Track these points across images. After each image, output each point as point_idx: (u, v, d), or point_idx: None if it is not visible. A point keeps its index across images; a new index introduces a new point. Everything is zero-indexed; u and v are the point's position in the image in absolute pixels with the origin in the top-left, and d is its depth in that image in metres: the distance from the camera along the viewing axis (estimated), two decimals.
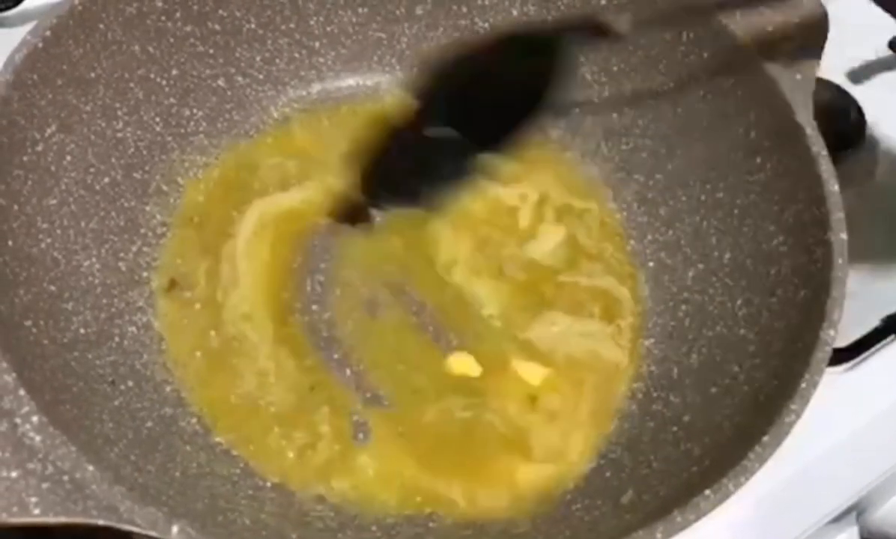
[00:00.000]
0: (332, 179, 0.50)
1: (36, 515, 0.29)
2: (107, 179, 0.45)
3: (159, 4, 0.46)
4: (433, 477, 0.41)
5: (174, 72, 0.48)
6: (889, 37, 0.60)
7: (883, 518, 0.49)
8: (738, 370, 0.41)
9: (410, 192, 0.49)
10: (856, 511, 0.48)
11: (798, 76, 0.44)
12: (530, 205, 0.51)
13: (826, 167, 0.41)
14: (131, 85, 0.46)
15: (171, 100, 0.48)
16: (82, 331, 0.41)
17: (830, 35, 0.45)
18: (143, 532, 0.30)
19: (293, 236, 0.48)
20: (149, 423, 0.40)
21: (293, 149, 0.51)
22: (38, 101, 0.41)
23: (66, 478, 0.30)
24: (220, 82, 0.50)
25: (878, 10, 0.62)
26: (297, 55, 0.52)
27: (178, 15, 0.47)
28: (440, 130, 0.50)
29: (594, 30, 0.41)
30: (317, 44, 0.53)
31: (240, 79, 0.51)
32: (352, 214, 0.46)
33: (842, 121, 0.56)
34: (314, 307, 0.46)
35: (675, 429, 0.41)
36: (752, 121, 0.45)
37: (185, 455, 0.40)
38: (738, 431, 0.37)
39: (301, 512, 0.39)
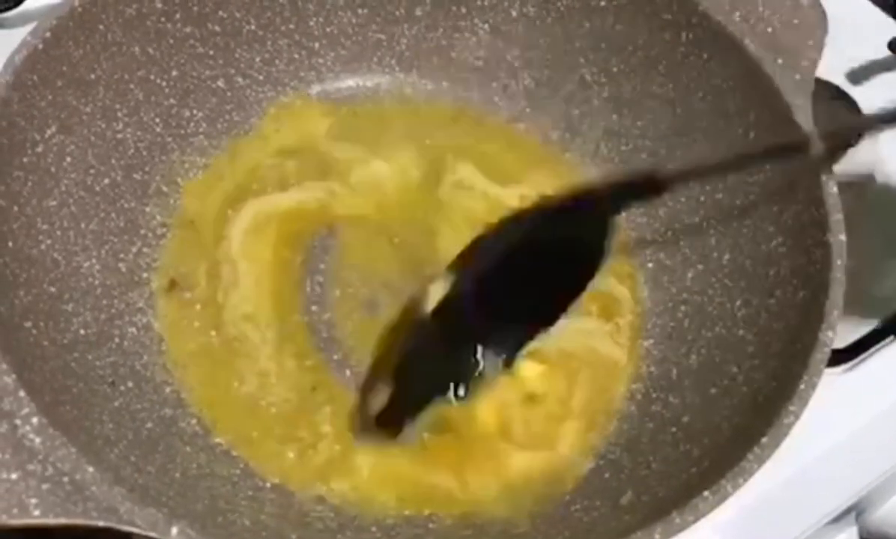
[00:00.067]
0: (331, 181, 0.50)
1: (36, 517, 0.29)
2: (107, 180, 0.45)
3: (159, 6, 0.46)
4: (429, 473, 0.41)
5: (174, 73, 0.48)
6: (888, 37, 0.60)
7: (882, 518, 0.49)
8: (737, 371, 0.41)
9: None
10: (855, 511, 0.48)
11: (797, 77, 0.44)
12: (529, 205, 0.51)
13: (825, 168, 0.41)
14: (131, 86, 0.46)
15: (171, 101, 0.48)
16: (82, 332, 0.41)
17: (830, 35, 0.46)
18: (143, 533, 0.30)
19: (293, 237, 0.48)
20: (149, 424, 0.40)
21: (293, 150, 0.51)
22: (38, 103, 0.41)
23: (65, 479, 0.30)
24: (220, 83, 0.50)
25: (878, 11, 0.62)
26: (296, 56, 0.52)
27: (177, 16, 0.47)
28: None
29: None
30: (316, 45, 0.53)
31: (240, 80, 0.51)
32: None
33: (841, 121, 0.56)
34: (314, 308, 0.46)
35: (673, 430, 0.41)
36: (751, 121, 0.45)
37: (185, 456, 0.40)
38: (736, 432, 0.37)
39: (301, 513, 0.39)
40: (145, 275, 0.45)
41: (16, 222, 0.39)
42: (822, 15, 0.46)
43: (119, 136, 0.46)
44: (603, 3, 0.50)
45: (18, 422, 0.31)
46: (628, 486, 0.39)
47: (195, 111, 0.49)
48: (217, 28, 0.49)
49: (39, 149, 0.41)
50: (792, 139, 0.42)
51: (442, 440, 0.42)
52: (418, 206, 0.50)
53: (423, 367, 0.42)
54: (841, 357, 0.46)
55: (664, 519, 0.32)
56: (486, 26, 0.53)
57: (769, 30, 0.46)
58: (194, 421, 0.42)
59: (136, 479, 0.35)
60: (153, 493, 0.35)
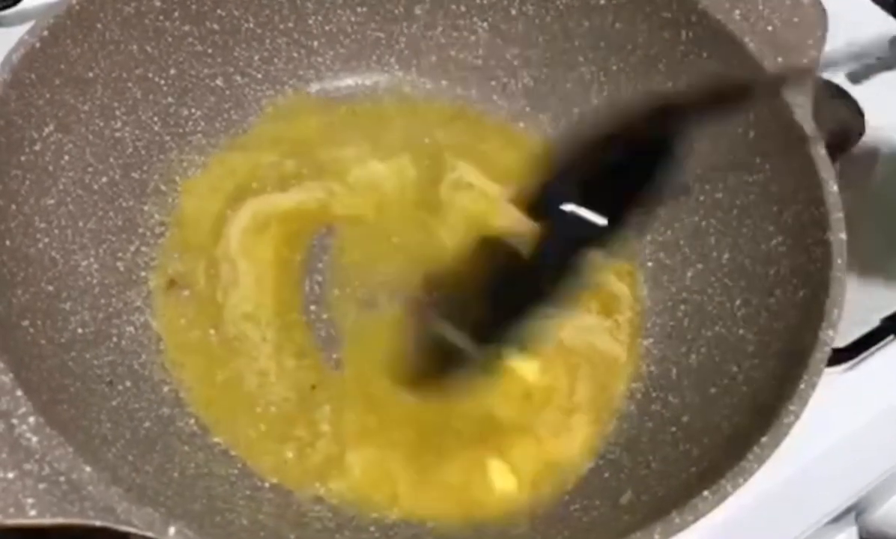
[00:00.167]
0: (329, 180, 0.50)
1: (32, 516, 0.29)
2: (105, 179, 0.45)
3: (157, 4, 0.46)
4: (426, 472, 0.41)
5: (172, 71, 0.48)
6: (889, 36, 0.60)
7: (882, 518, 0.49)
8: (736, 370, 0.41)
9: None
10: (855, 511, 0.48)
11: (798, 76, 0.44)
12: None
13: (825, 167, 0.41)
14: (129, 84, 0.46)
15: (170, 99, 0.48)
16: (80, 331, 0.41)
17: (830, 34, 0.45)
18: (141, 533, 0.30)
19: (292, 236, 0.48)
20: (147, 424, 0.40)
21: (291, 148, 0.51)
22: (36, 101, 0.41)
23: (62, 479, 0.30)
24: (219, 82, 0.50)
25: (879, 10, 0.62)
26: (295, 55, 0.52)
27: (176, 14, 0.47)
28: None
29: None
30: (315, 43, 0.53)
31: (238, 78, 0.51)
32: None
33: (841, 121, 0.56)
34: (313, 307, 0.46)
35: (673, 429, 0.41)
36: (751, 121, 0.45)
37: (183, 455, 0.39)
38: (736, 432, 0.37)
39: (299, 512, 0.39)
40: (143, 273, 0.45)
41: (13, 221, 0.39)
42: (823, 13, 0.46)
43: (117, 134, 0.46)
44: (602, 2, 0.50)
45: (15, 421, 0.31)
46: (628, 485, 0.39)
47: (194, 110, 0.49)
48: (215, 26, 0.49)
49: (37, 147, 0.41)
50: (792, 138, 0.42)
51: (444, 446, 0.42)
52: (417, 205, 0.50)
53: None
54: (841, 356, 0.46)
55: (664, 519, 0.32)
56: (486, 25, 0.53)
57: (769, 28, 0.46)
58: (192, 420, 0.41)
59: (133, 478, 0.35)
60: (150, 492, 0.35)
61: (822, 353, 0.37)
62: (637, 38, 0.49)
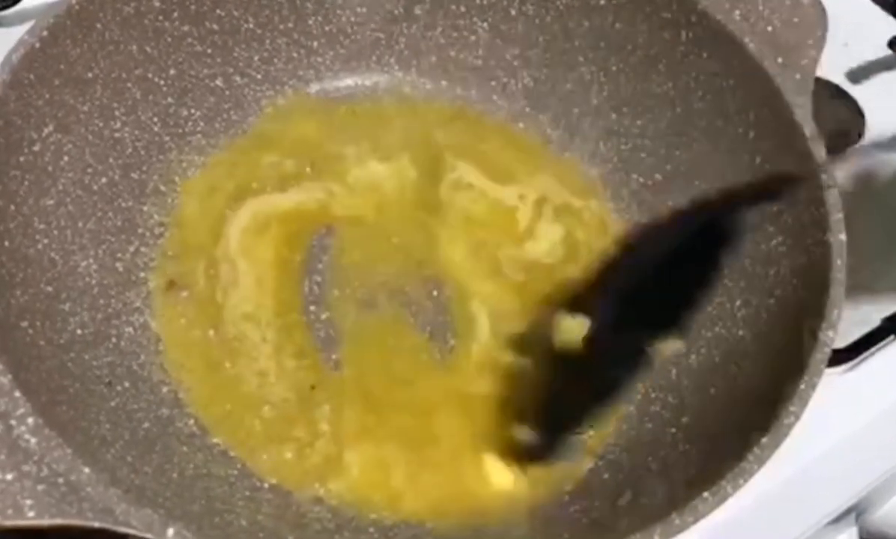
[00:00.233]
0: (329, 180, 0.50)
1: (31, 518, 0.29)
2: (104, 179, 0.45)
3: (157, 4, 0.46)
4: (424, 479, 0.41)
5: (172, 71, 0.48)
6: (888, 36, 0.60)
7: (882, 519, 0.49)
8: (736, 371, 0.41)
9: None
10: (855, 512, 0.48)
11: (797, 76, 0.44)
12: (529, 205, 0.51)
13: (825, 168, 0.41)
14: (129, 85, 0.46)
15: (169, 100, 0.48)
16: (79, 331, 0.40)
17: (829, 34, 0.45)
18: (139, 534, 0.30)
19: (292, 236, 0.48)
20: (146, 425, 0.40)
21: (291, 149, 0.51)
22: (36, 101, 0.41)
23: (61, 480, 0.30)
24: (218, 82, 0.50)
25: (878, 10, 0.62)
26: (295, 55, 0.52)
27: (175, 14, 0.47)
28: None
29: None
30: (315, 43, 0.53)
31: (238, 78, 0.51)
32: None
33: (841, 121, 0.56)
34: (312, 307, 0.46)
35: (673, 430, 0.41)
36: (751, 121, 0.45)
37: (182, 456, 0.39)
38: (736, 433, 0.37)
39: (298, 513, 0.39)
40: (143, 274, 0.45)
41: (13, 221, 0.39)
42: (823, 13, 0.46)
43: (117, 135, 0.46)
44: (602, 2, 0.50)
45: (14, 422, 0.31)
46: (627, 486, 0.39)
47: (193, 110, 0.49)
48: (215, 26, 0.49)
49: (37, 148, 0.41)
50: (791, 138, 0.42)
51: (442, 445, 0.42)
52: (417, 205, 0.50)
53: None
54: (841, 357, 0.46)
55: (663, 520, 0.32)
56: (485, 25, 0.53)
57: (769, 28, 0.45)
58: (191, 421, 0.41)
59: (132, 479, 0.35)
60: (149, 493, 0.35)
61: (823, 353, 0.36)
62: (637, 39, 0.49)
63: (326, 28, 0.53)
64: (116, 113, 0.45)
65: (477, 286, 0.47)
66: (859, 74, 0.59)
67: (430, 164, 0.52)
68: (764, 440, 0.34)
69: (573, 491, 0.41)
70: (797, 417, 0.35)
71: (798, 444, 0.35)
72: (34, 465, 0.30)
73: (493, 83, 0.54)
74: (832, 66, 0.57)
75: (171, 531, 0.30)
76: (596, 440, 0.43)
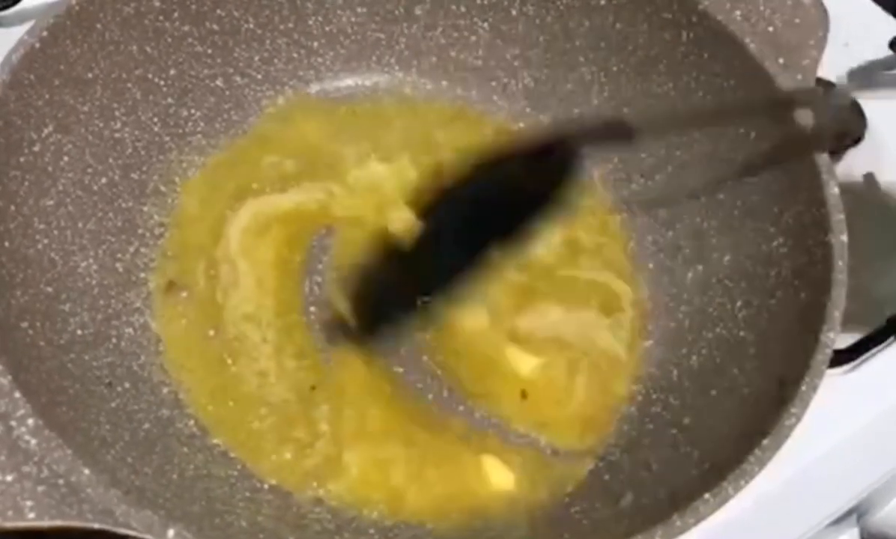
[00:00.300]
0: (329, 180, 0.50)
1: (31, 519, 0.29)
2: (104, 180, 0.45)
3: (157, 4, 0.46)
4: (424, 479, 0.41)
5: (172, 72, 0.48)
6: (889, 37, 0.60)
7: (883, 520, 0.49)
8: (737, 372, 0.41)
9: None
10: (856, 513, 0.48)
11: (799, 76, 0.44)
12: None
13: (826, 168, 0.41)
14: (129, 85, 0.46)
15: (169, 100, 0.48)
16: (79, 332, 0.40)
17: (831, 35, 0.45)
18: (139, 535, 0.30)
19: (292, 236, 0.48)
20: (146, 425, 0.40)
21: (291, 149, 0.51)
22: (36, 102, 0.41)
23: (61, 481, 0.30)
24: (219, 82, 0.50)
25: (879, 10, 0.62)
26: (295, 55, 0.52)
27: (175, 15, 0.47)
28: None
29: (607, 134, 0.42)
30: (315, 44, 0.53)
31: (238, 79, 0.51)
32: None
33: (841, 121, 0.56)
34: (312, 308, 0.46)
35: (674, 431, 0.41)
36: (752, 121, 0.45)
37: (182, 457, 0.39)
38: (737, 434, 0.37)
39: (299, 514, 0.39)
40: (143, 275, 0.45)
41: (13, 222, 0.39)
42: (824, 13, 0.46)
43: (117, 135, 0.46)
44: (603, 2, 0.50)
45: (14, 423, 0.31)
46: (628, 487, 0.39)
47: (193, 110, 0.49)
48: (215, 27, 0.49)
49: (37, 148, 0.41)
50: (792, 139, 0.42)
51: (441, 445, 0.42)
52: (417, 205, 0.50)
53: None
54: (843, 357, 0.46)
55: (665, 521, 0.32)
56: (486, 25, 0.53)
57: (770, 29, 0.45)
58: (192, 422, 0.41)
59: (132, 480, 0.35)
60: (150, 494, 0.35)
61: (824, 354, 0.36)
62: (637, 39, 0.49)
63: (327, 28, 0.53)
64: (116, 113, 0.45)
65: (477, 285, 0.47)
66: (860, 75, 0.59)
67: (430, 164, 0.52)
68: (765, 441, 0.34)
69: (574, 492, 0.41)
70: (799, 419, 0.35)
71: (799, 445, 0.35)
72: (34, 466, 0.30)
73: (494, 83, 0.54)
74: (833, 67, 0.57)
75: (171, 532, 0.30)
76: (596, 440, 0.43)
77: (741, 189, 0.45)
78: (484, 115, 0.54)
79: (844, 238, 0.40)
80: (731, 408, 0.40)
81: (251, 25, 0.50)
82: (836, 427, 0.44)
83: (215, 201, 0.48)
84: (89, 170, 0.44)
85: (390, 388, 0.44)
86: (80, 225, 0.43)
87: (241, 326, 0.45)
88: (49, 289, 0.40)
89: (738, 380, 0.41)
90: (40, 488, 0.30)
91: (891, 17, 0.62)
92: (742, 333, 0.42)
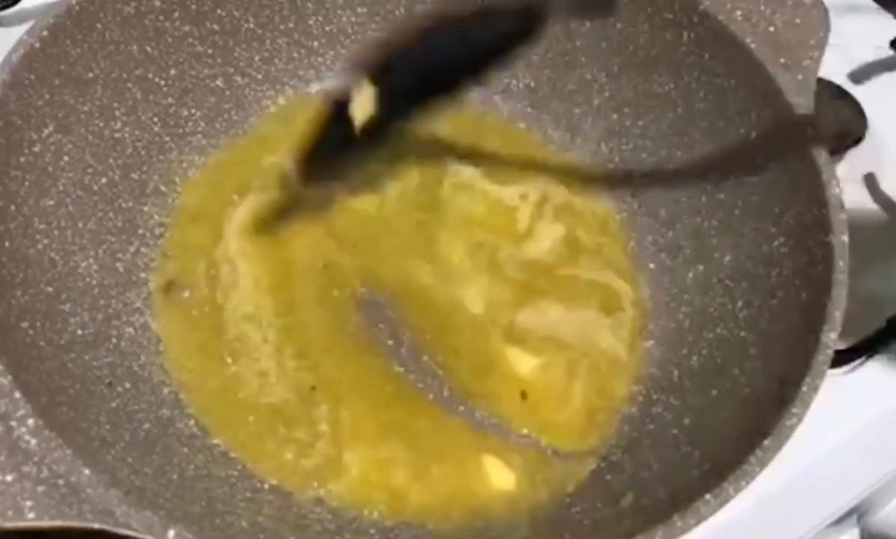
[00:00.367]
0: (330, 179, 0.50)
1: (31, 519, 0.29)
2: (104, 180, 0.45)
3: (157, 4, 0.46)
4: (425, 480, 0.41)
5: (172, 72, 0.48)
6: (890, 36, 0.60)
7: (884, 520, 0.49)
8: (738, 373, 0.41)
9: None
10: (857, 513, 0.48)
11: (799, 76, 0.44)
12: (530, 205, 0.51)
13: (827, 169, 0.41)
14: (129, 85, 0.46)
15: (170, 100, 0.48)
16: (79, 332, 0.40)
17: (831, 35, 0.45)
18: (140, 536, 0.30)
19: (291, 236, 0.48)
20: (146, 425, 0.40)
21: (292, 149, 0.51)
22: (36, 102, 0.41)
23: (61, 481, 0.30)
24: (219, 82, 0.50)
25: (880, 11, 0.62)
26: (295, 55, 0.52)
27: (176, 15, 0.47)
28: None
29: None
30: (316, 43, 0.53)
31: (238, 79, 0.51)
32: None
33: (843, 121, 0.56)
34: (312, 308, 0.46)
35: (675, 431, 0.41)
36: (752, 122, 0.45)
37: (182, 457, 0.39)
38: (738, 434, 0.37)
39: (299, 514, 0.39)
40: (143, 275, 0.45)
41: (13, 222, 0.39)
42: (825, 14, 0.45)
43: (117, 135, 0.46)
44: None
45: (14, 423, 0.31)
46: (629, 488, 0.39)
47: (194, 110, 0.49)
48: (216, 27, 0.49)
49: (37, 148, 0.41)
50: (793, 139, 0.42)
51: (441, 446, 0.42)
52: (417, 205, 0.50)
53: None
54: (844, 358, 0.46)
55: (665, 522, 0.32)
56: None
57: (771, 29, 0.45)
58: (192, 422, 0.41)
59: (132, 480, 0.35)
60: (150, 494, 0.35)
61: (825, 355, 0.36)
62: (639, 39, 0.49)
63: (327, 28, 0.53)
64: (117, 113, 0.45)
65: (478, 285, 0.47)
66: (861, 75, 0.59)
67: (430, 164, 0.52)
68: (766, 442, 0.34)
69: (575, 492, 0.41)
70: (800, 419, 0.35)
71: (800, 446, 0.35)
72: (34, 466, 0.30)
73: (495, 83, 0.54)
74: (834, 67, 0.57)
75: (171, 533, 0.30)
76: (597, 441, 0.43)
77: (742, 189, 0.45)
78: (485, 115, 0.54)
79: (845, 238, 0.39)
80: (732, 408, 0.40)
81: (251, 25, 0.50)
82: (836, 427, 0.44)
83: (215, 201, 0.48)
84: (89, 170, 0.44)
85: (391, 389, 0.44)
86: (80, 225, 0.43)
87: (241, 327, 0.45)
88: (49, 289, 0.40)
89: (738, 380, 0.41)
90: (40, 488, 0.30)
91: (892, 18, 0.62)
92: (743, 333, 0.42)
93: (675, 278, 0.47)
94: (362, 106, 0.41)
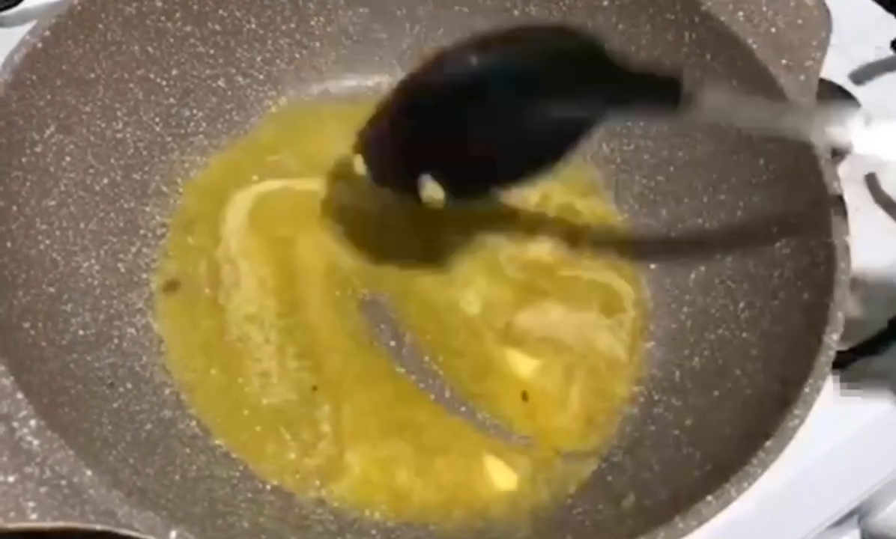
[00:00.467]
0: (331, 180, 0.50)
1: (33, 520, 0.29)
2: (106, 180, 0.45)
3: (159, 4, 0.46)
4: (426, 480, 0.41)
5: (174, 72, 0.48)
6: (891, 37, 0.60)
7: (885, 521, 0.49)
8: (740, 374, 0.41)
9: None
10: (857, 515, 0.48)
11: (802, 77, 0.44)
12: (531, 205, 0.51)
13: (828, 169, 0.41)
14: (131, 85, 0.46)
15: (171, 100, 0.48)
16: (81, 332, 0.40)
17: (833, 36, 0.45)
18: (142, 537, 0.30)
19: (294, 237, 0.48)
20: (148, 426, 0.40)
21: (293, 149, 0.51)
22: (37, 102, 0.41)
23: (63, 482, 0.30)
24: (221, 83, 0.50)
25: (881, 11, 0.62)
26: (297, 55, 0.52)
27: (177, 15, 0.47)
28: None
29: None
30: (317, 44, 0.53)
31: (240, 79, 0.51)
32: None
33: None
34: (314, 309, 0.46)
35: (676, 432, 0.41)
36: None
37: (184, 458, 0.39)
38: (740, 436, 0.37)
39: (301, 515, 0.39)
40: (145, 275, 0.45)
41: (14, 222, 0.39)
42: (827, 14, 0.45)
43: (119, 135, 0.46)
44: (605, 3, 0.49)
45: (16, 424, 0.31)
46: (631, 489, 0.39)
47: (195, 111, 0.49)
48: (217, 27, 0.49)
49: (38, 148, 0.41)
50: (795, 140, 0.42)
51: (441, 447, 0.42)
52: (418, 205, 0.50)
53: None
54: (844, 359, 0.46)
55: (667, 523, 0.32)
56: (489, 26, 0.53)
57: (773, 30, 0.45)
58: (194, 422, 0.41)
59: (134, 481, 0.35)
60: (152, 495, 0.35)
61: (827, 356, 0.36)
62: (640, 40, 0.49)
63: (329, 28, 0.53)
64: (118, 113, 0.45)
65: (479, 285, 0.47)
66: (862, 75, 0.59)
67: None
68: (768, 443, 0.34)
69: (576, 493, 0.41)
70: (802, 420, 0.35)
71: (801, 447, 0.35)
72: (36, 467, 0.30)
73: None
74: (835, 67, 0.57)
75: (173, 534, 0.30)
76: (599, 442, 0.43)
77: (743, 190, 0.45)
78: None
79: (847, 239, 0.40)
80: (734, 409, 0.40)
81: (253, 26, 0.50)
82: (837, 429, 0.44)
83: (217, 201, 0.48)
84: (91, 170, 0.44)
85: (392, 389, 0.44)
86: (81, 225, 0.43)
87: (243, 327, 0.45)
88: (51, 289, 0.40)
89: (740, 381, 0.41)
90: (42, 489, 0.30)
91: (893, 18, 0.62)
92: (745, 334, 0.42)
93: (676, 279, 0.47)
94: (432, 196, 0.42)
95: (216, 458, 0.40)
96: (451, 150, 0.41)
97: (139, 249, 0.46)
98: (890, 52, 0.59)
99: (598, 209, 0.51)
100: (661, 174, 0.50)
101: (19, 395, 0.32)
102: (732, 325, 0.43)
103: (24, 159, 0.40)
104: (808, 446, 0.41)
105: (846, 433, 0.45)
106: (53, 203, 0.41)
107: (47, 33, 0.41)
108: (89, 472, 0.31)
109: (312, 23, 0.52)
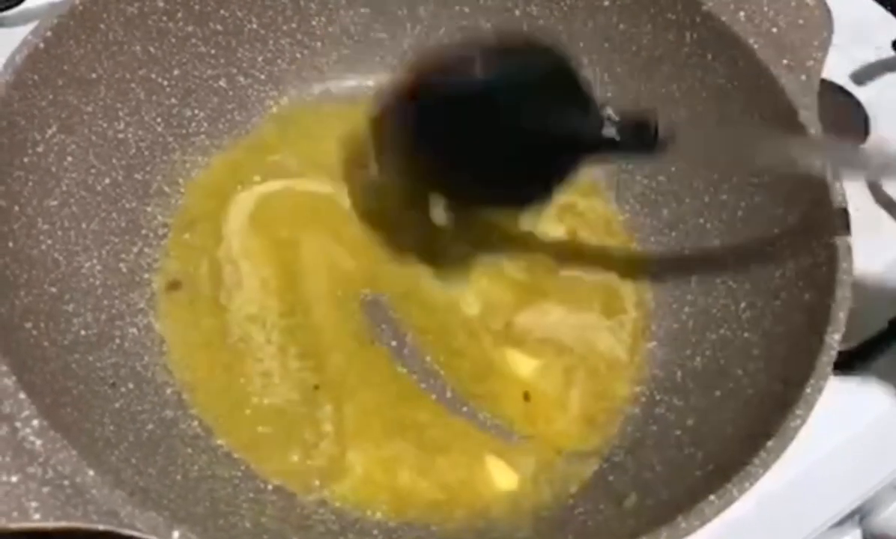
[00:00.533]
0: (332, 180, 0.50)
1: (36, 520, 0.29)
2: (108, 180, 0.45)
3: (161, 4, 0.46)
4: (428, 480, 0.41)
5: (176, 72, 0.48)
6: (892, 37, 0.60)
7: (886, 522, 0.49)
8: (742, 374, 0.41)
9: None
10: (859, 515, 0.48)
11: (803, 77, 0.44)
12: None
13: (830, 170, 0.41)
14: (132, 85, 0.46)
15: (173, 100, 0.48)
16: (83, 333, 0.40)
17: (834, 36, 0.45)
18: (144, 536, 0.30)
19: (295, 237, 0.48)
20: (150, 426, 0.40)
21: (295, 149, 0.51)
22: (39, 102, 0.41)
23: (66, 482, 0.30)
24: (222, 83, 0.50)
25: (882, 11, 0.62)
26: (298, 55, 0.52)
27: (179, 15, 0.47)
28: None
29: None
30: (319, 44, 0.52)
31: (241, 79, 0.51)
32: None
33: (845, 122, 0.56)
34: (316, 309, 0.46)
35: (678, 432, 0.41)
36: (756, 122, 0.45)
37: (186, 458, 0.39)
38: (742, 436, 0.37)
39: (302, 516, 0.39)
40: (146, 275, 0.45)
41: (16, 222, 0.39)
42: (828, 14, 0.46)
43: (120, 135, 0.46)
44: (607, 3, 0.50)
45: (19, 424, 0.31)
46: (632, 489, 0.39)
47: (197, 111, 0.49)
48: (219, 27, 0.49)
49: (40, 148, 0.41)
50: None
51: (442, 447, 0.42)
52: (420, 204, 0.50)
53: None
54: (845, 359, 0.46)
55: (669, 523, 0.32)
56: (490, 26, 0.53)
57: (774, 30, 0.45)
58: (196, 422, 0.41)
59: (136, 481, 0.35)
60: (154, 495, 0.35)
61: (828, 356, 0.36)
62: (642, 40, 0.49)
63: (330, 28, 0.53)
64: (120, 113, 0.45)
65: (479, 285, 0.47)
66: (863, 75, 0.59)
67: None
68: (770, 443, 0.34)
69: (578, 493, 0.41)
70: (803, 420, 0.35)
71: (803, 447, 0.35)
72: (39, 467, 0.30)
73: None
74: (836, 68, 0.57)
75: (175, 533, 0.30)
76: (600, 442, 0.43)
77: (745, 190, 0.45)
78: None
79: (849, 239, 0.40)
80: (736, 409, 0.40)
81: (254, 26, 0.50)
82: (839, 429, 0.44)
83: (219, 201, 0.48)
84: (93, 170, 0.44)
85: (394, 389, 0.44)
86: (83, 225, 0.43)
87: (245, 327, 0.45)
88: (53, 289, 0.40)
89: (742, 381, 0.41)
90: (45, 489, 0.30)
91: (893, 18, 0.62)
92: (746, 335, 0.42)
93: (677, 279, 0.47)
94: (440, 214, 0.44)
95: (218, 458, 0.40)
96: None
97: (141, 249, 0.46)
98: (891, 52, 0.59)
99: (599, 209, 0.51)
100: (663, 174, 0.50)
101: (22, 396, 0.32)
102: (734, 325, 0.43)
103: (25, 159, 0.40)
104: (810, 446, 0.41)
105: (848, 433, 0.45)
106: (55, 203, 0.41)
107: (49, 33, 0.41)
108: (92, 472, 0.31)
109: (314, 23, 0.52)
